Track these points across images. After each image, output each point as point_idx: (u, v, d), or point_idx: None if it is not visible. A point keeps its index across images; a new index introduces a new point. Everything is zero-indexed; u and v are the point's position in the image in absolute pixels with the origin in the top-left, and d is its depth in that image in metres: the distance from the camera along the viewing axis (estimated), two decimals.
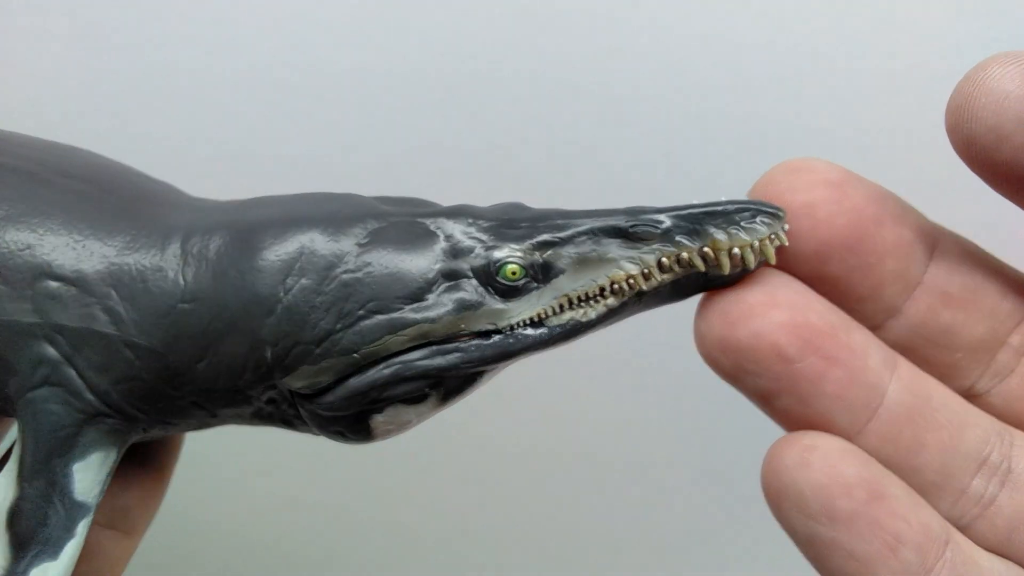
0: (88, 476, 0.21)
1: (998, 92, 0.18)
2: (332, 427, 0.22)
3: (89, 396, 0.21)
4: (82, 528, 0.21)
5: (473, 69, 0.39)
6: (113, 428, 0.22)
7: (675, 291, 0.21)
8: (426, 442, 0.43)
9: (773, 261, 0.20)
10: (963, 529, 0.20)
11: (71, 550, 0.21)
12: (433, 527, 0.46)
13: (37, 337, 0.21)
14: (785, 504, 0.19)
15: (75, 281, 0.21)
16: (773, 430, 0.21)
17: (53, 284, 0.21)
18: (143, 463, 0.25)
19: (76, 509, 0.21)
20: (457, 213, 0.21)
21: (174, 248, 0.21)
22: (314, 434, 0.23)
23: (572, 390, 0.43)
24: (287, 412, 0.22)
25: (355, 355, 0.21)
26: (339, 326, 0.21)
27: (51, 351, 0.21)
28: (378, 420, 0.21)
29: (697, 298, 0.21)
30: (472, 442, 0.44)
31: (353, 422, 0.21)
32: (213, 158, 0.40)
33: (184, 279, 0.21)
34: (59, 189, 0.22)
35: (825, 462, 0.19)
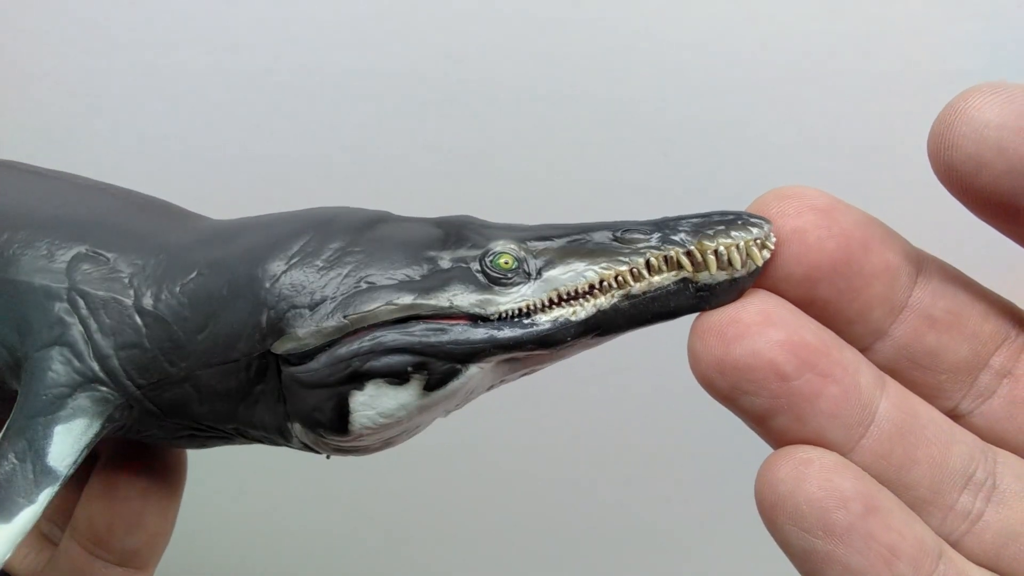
0: (67, 441, 0.22)
1: (978, 121, 0.19)
2: (311, 404, 0.22)
3: (90, 360, 0.23)
4: (44, 498, 0.22)
5: (471, 73, 0.40)
6: (103, 397, 0.23)
7: (665, 309, 0.22)
8: (422, 453, 0.43)
9: (760, 264, 0.21)
10: (953, 545, 0.21)
11: (27, 516, 0.22)
12: (428, 533, 0.46)
13: (61, 299, 0.23)
14: (780, 518, 0.20)
15: (109, 257, 0.24)
16: (761, 442, 0.21)
17: (89, 256, 0.24)
18: (146, 502, 0.26)
19: (44, 475, 0.22)
20: (461, 218, 0.23)
21: (202, 238, 0.24)
22: (299, 448, 0.23)
23: (567, 401, 0.43)
24: (275, 406, 0.23)
25: (344, 319, 0.22)
26: (333, 294, 0.22)
27: (69, 312, 0.23)
28: (358, 400, 0.22)
29: (689, 320, 0.21)
30: (469, 463, 0.44)
31: (333, 401, 0.22)
32: (212, 159, 0.41)
33: (205, 256, 0.23)
34: (110, 195, 0.26)
35: (821, 475, 0.19)
